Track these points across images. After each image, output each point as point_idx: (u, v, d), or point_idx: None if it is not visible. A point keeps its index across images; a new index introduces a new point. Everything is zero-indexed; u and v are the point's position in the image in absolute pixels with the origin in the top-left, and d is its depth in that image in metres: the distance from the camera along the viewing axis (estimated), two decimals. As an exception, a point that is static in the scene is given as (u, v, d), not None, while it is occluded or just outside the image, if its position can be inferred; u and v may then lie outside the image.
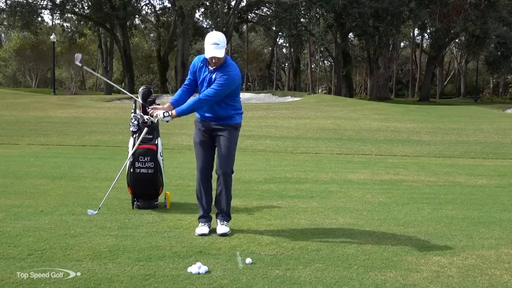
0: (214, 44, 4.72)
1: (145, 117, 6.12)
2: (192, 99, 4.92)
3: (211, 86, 4.80)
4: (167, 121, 4.91)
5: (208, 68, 4.90)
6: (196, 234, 4.90)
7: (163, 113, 4.87)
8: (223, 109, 4.95)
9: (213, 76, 4.85)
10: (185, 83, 5.11)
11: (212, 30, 54.38)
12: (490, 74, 63.78)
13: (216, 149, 5.05)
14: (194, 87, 5.10)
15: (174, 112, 4.89)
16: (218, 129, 4.99)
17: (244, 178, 8.44)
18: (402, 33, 54.78)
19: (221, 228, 4.97)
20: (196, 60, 5.03)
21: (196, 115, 5.13)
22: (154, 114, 4.94)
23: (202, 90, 4.95)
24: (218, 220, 5.06)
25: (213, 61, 4.78)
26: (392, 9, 39.92)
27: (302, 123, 21.04)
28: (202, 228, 4.96)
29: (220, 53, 4.73)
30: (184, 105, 4.95)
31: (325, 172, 9.85)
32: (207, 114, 5.02)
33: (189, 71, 5.08)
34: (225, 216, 5.07)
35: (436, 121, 23.02)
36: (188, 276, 3.79)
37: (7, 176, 8.31)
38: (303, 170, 10.01)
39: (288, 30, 42.53)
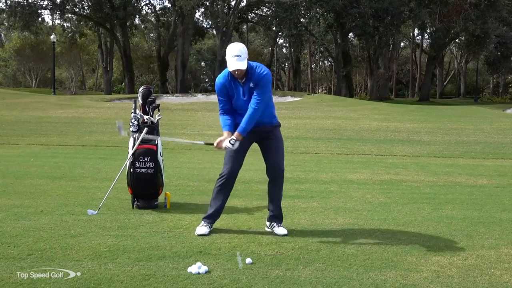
0: (236, 56, 4.66)
1: (145, 117, 6.13)
2: (247, 114, 4.77)
3: (256, 91, 4.73)
4: (237, 147, 4.79)
5: (239, 82, 4.81)
6: (196, 234, 4.89)
7: (229, 141, 4.75)
8: (266, 109, 4.89)
9: (251, 85, 4.78)
10: (221, 107, 4.90)
11: (212, 30, 54.62)
12: (490, 74, 63.80)
13: (266, 153, 5.00)
14: (231, 106, 4.94)
15: (237, 134, 4.77)
16: (264, 131, 4.95)
17: (244, 178, 8.42)
18: (402, 33, 54.75)
19: (280, 230, 4.97)
20: (222, 80, 4.86)
21: None
22: (223, 147, 4.79)
23: (240, 104, 4.85)
24: (274, 223, 5.04)
25: (236, 73, 4.72)
26: (392, 9, 39.90)
27: (302, 123, 21.04)
28: (202, 228, 4.94)
29: (243, 65, 4.67)
30: (242, 123, 4.78)
31: (325, 172, 9.85)
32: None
33: (218, 94, 4.94)
34: (279, 218, 5.07)
35: (436, 121, 23.02)
36: (188, 276, 3.79)
37: (7, 176, 8.31)
38: (303, 170, 10.01)
39: (288, 30, 42.51)
